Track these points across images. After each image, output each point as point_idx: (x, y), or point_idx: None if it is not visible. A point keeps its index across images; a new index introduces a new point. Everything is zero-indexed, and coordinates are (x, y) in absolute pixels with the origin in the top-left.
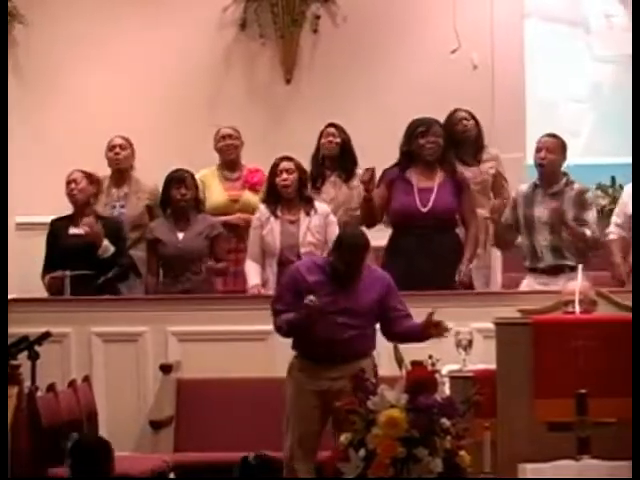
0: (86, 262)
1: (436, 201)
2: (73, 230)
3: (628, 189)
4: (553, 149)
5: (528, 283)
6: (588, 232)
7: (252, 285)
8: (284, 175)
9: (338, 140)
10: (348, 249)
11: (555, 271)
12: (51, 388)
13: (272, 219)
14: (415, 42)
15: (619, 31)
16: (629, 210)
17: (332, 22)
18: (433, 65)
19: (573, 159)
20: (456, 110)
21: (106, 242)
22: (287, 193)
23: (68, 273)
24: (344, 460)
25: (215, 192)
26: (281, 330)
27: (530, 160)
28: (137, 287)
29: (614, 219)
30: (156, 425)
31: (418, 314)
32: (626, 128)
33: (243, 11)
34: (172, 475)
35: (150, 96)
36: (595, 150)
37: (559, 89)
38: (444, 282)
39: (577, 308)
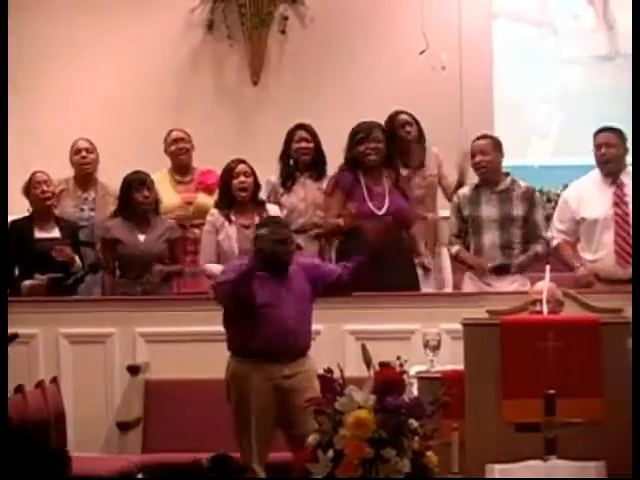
0: (56, 265)
1: (390, 204)
2: (39, 234)
3: (570, 193)
4: (487, 151)
5: (471, 280)
6: (539, 248)
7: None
8: (242, 178)
9: (311, 145)
10: (263, 237)
11: (501, 271)
12: (19, 389)
13: (227, 224)
14: (383, 43)
15: (587, 32)
16: (578, 215)
17: (300, 23)
18: (401, 66)
19: (541, 160)
20: (398, 113)
21: (77, 260)
22: (243, 196)
23: (44, 277)
24: (313, 461)
25: (168, 195)
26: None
27: None
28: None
29: (556, 225)
30: (124, 426)
31: (385, 315)
32: (595, 129)
33: (210, 12)
34: (140, 476)
35: (117, 97)
36: (563, 151)
37: (527, 90)
38: (398, 283)
39: (545, 308)
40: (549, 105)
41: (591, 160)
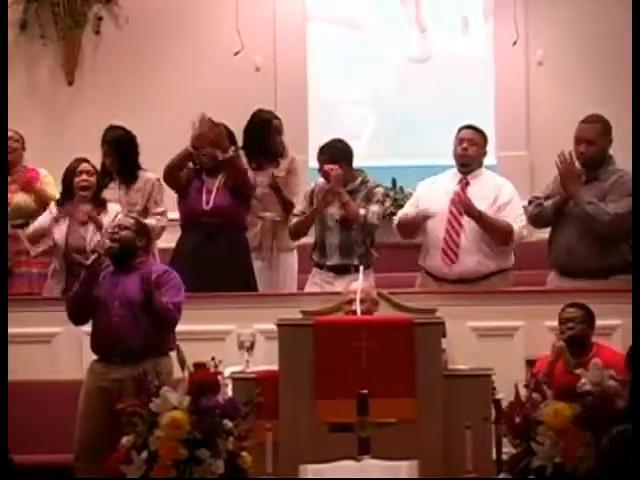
0: None
1: (216, 200)
2: None
3: (422, 186)
4: (337, 159)
5: (313, 279)
6: (362, 212)
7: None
8: (84, 176)
9: (113, 160)
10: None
11: (341, 270)
12: None
13: (62, 220)
14: (198, 43)
15: (400, 35)
16: (421, 204)
17: (114, 23)
18: (216, 66)
19: (355, 161)
20: (271, 116)
21: None
22: (85, 195)
23: None
24: (126, 462)
25: None
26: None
27: (312, 163)
28: None
29: (404, 210)
30: None
31: (200, 316)
32: (406, 130)
33: (23, 11)
34: None
35: None
36: (376, 152)
37: (341, 91)
38: (224, 283)
39: (358, 308)
40: (362, 107)
41: (402, 162)
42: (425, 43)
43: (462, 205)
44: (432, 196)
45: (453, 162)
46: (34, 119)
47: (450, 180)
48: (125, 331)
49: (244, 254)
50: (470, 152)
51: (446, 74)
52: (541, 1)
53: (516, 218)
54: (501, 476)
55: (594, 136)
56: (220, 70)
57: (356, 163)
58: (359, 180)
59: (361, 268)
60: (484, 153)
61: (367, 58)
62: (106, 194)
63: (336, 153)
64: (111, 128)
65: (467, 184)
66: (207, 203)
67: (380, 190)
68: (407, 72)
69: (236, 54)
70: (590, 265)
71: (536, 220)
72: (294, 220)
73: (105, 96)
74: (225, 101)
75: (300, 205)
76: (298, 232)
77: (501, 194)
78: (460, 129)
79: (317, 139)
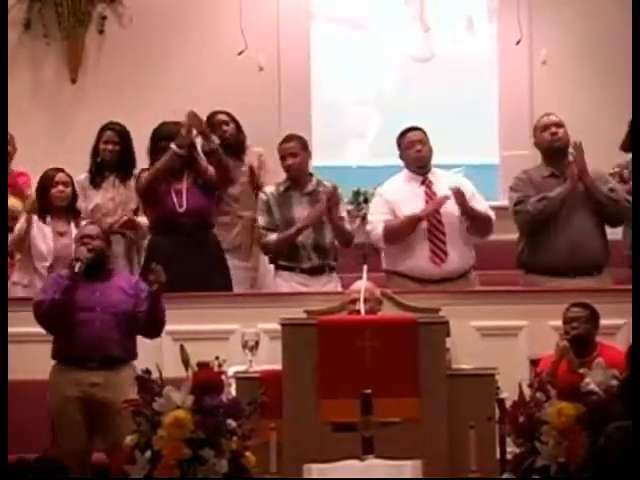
0: None
1: (189, 201)
2: None
3: (387, 191)
4: (295, 153)
5: (287, 283)
6: (347, 226)
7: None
8: (60, 187)
9: (117, 148)
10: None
11: (316, 271)
12: None
13: (44, 227)
14: (202, 43)
15: (403, 34)
16: (400, 214)
17: (118, 23)
18: (220, 66)
19: (359, 160)
20: (215, 113)
21: None
22: (61, 205)
23: None
24: (130, 462)
25: None
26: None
27: (316, 162)
28: None
29: (377, 217)
30: None
31: (203, 315)
32: None
33: (27, 11)
34: None
35: None
36: (380, 152)
37: (345, 91)
38: (208, 282)
39: (362, 307)
40: (366, 106)
41: None
42: (429, 43)
43: (460, 200)
44: (404, 201)
45: (456, 160)
46: (37, 117)
47: (410, 182)
48: (107, 336)
49: (219, 252)
50: (424, 153)
51: (450, 74)
52: (545, 1)
53: (487, 208)
54: (505, 476)
55: (560, 121)
56: (224, 69)
57: (361, 162)
58: (315, 180)
59: (364, 267)
60: (431, 151)
61: (371, 57)
62: (98, 195)
63: (304, 142)
64: (112, 123)
65: (431, 183)
66: (180, 206)
67: (341, 191)
68: (411, 72)
69: (240, 53)
70: (599, 261)
71: (538, 216)
72: (270, 237)
73: (108, 95)
74: (229, 100)
75: (262, 220)
76: (281, 250)
77: (464, 187)
78: (405, 132)
79: (321, 138)
